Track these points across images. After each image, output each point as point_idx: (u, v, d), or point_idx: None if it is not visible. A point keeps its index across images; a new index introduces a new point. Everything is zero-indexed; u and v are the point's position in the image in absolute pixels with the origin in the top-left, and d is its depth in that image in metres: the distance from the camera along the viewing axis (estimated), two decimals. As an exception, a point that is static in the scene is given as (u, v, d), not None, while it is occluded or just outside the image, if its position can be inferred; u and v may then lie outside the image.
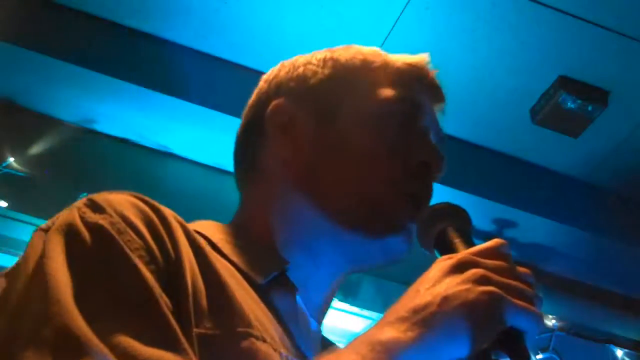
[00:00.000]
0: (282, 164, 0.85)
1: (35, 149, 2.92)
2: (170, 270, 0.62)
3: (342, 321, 3.78)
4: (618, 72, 2.66)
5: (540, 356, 3.55)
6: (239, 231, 0.83)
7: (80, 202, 0.65)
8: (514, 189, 3.12)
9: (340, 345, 0.87)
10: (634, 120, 2.87)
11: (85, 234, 0.61)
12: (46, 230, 0.63)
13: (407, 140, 0.85)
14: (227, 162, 3.03)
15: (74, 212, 0.63)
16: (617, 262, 3.32)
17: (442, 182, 3.14)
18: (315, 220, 0.81)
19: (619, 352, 3.73)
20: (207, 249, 0.69)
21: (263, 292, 0.74)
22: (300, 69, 0.91)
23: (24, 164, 2.86)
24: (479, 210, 3.10)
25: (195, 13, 2.67)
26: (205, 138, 2.88)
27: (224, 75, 2.79)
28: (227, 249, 0.77)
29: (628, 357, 3.73)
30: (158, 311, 0.58)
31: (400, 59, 0.93)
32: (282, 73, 0.92)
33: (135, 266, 0.59)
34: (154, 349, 0.55)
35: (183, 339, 0.58)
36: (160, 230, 0.64)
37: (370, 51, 0.93)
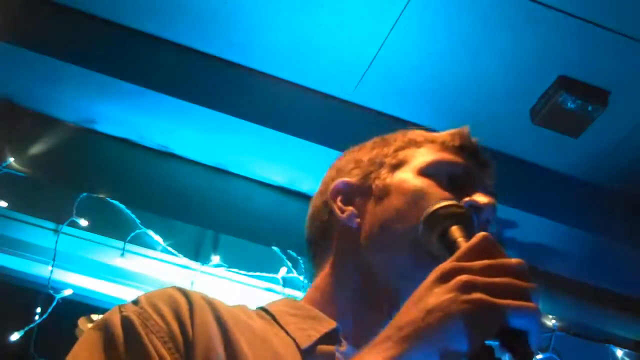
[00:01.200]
0: (347, 233, 0.94)
1: (35, 149, 2.92)
2: (186, 347, 0.74)
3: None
4: (618, 72, 2.66)
5: (540, 356, 3.55)
6: (305, 302, 0.94)
7: (138, 297, 0.81)
8: (514, 189, 3.12)
9: None
10: (634, 120, 2.86)
11: (117, 326, 0.76)
12: (92, 326, 0.80)
13: (455, 193, 0.92)
14: (227, 162, 3.03)
15: (115, 309, 0.79)
16: (617, 262, 3.31)
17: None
18: (389, 262, 0.90)
19: (619, 352, 3.72)
20: (233, 324, 0.79)
21: (309, 356, 0.82)
22: (355, 153, 1.04)
23: (24, 164, 2.86)
24: (479, 210, 3.10)
25: (196, 13, 2.67)
26: (206, 138, 2.88)
27: (225, 75, 2.78)
28: (284, 319, 0.88)
29: (628, 357, 3.73)
30: None
31: (443, 133, 1.03)
32: (342, 160, 1.06)
33: (151, 348, 0.73)
34: None
35: None
36: (183, 314, 0.77)
37: (416, 131, 1.04)
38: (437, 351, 0.61)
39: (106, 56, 2.72)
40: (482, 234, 0.69)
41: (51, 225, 2.91)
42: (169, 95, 2.73)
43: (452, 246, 0.73)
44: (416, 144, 1.00)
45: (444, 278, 0.65)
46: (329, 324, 0.86)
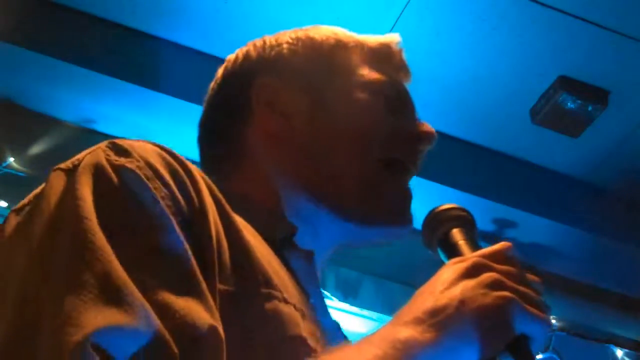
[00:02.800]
0: (272, 140, 0.85)
1: (35, 149, 2.92)
2: (195, 223, 0.61)
3: (342, 321, 3.78)
4: (618, 72, 2.66)
5: (540, 356, 3.55)
6: (240, 198, 0.80)
7: (103, 144, 0.62)
8: (514, 189, 3.12)
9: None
10: (634, 120, 2.87)
11: (113, 177, 0.58)
12: (66, 170, 0.60)
13: (396, 118, 0.87)
14: (227, 162, 3.04)
15: (99, 154, 0.60)
16: (617, 262, 3.31)
17: (443, 182, 3.16)
18: (310, 204, 0.83)
19: (619, 352, 3.72)
20: (228, 206, 0.68)
21: (278, 252, 0.75)
22: (276, 48, 0.91)
23: (24, 164, 2.86)
24: (479, 210, 3.10)
25: (196, 13, 2.67)
26: (205, 138, 2.88)
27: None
28: (235, 208, 0.75)
29: (628, 357, 3.73)
30: (188, 264, 0.57)
31: (372, 39, 0.95)
32: (255, 53, 0.93)
33: (166, 216, 0.58)
34: (187, 300, 0.55)
35: (209, 296, 0.57)
36: (185, 181, 0.62)
37: (340, 31, 0.94)
38: (468, 341, 0.61)
39: (106, 56, 2.72)
40: (506, 243, 0.69)
41: (51, 225, 2.91)
42: (169, 95, 2.73)
43: (453, 249, 0.74)
44: (347, 47, 0.91)
45: (474, 271, 0.65)
46: (290, 226, 0.80)
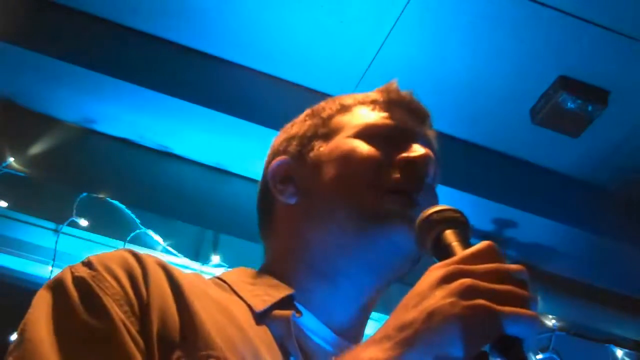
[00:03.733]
0: (289, 211, 0.95)
1: (35, 149, 2.92)
2: (141, 311, 0.73)
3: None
4: (618, 72, 2.66)
5: (540, 356, 3.55)
6: (262, 273, 0.93)
7: (81, 261, 0.78)
8: (514, 189, 3.12)
9: None
10: (634, 120, 2.86)
11: (70, 287, 0.73)
12: (43, 287, 0.77)
13: (390, 149, 0.91)
14: (227, 162, 3.03)
15: (66, 270, 0.76)
16: (617, 262, 3.31)
17: (442, 182, 3.14)
18: (321, 237, 0.89)
19: (619, 352, 3.72)
20: (188, 289, 0.78)
21: (262, 320, 0.82)
22: (288, 129, 1.04)
23: (24, 164, 2.86)
24: (479, 210, 3.10)
25: (196, 13, 2.67)
26: (206, 138, 2.88)
27: (225, 75, 2.78)
28: (240, 287, 0.88)
29: (628, 357, 3.73)
30: (126, 351, 0.68)
31: (372, 92, 1.01)
32: (277, 140, 1.06)
33: (109, 310, 0.71)
34: None
35: None
36: (137, 277, 0.75)
37: (346, 95, 1.03)
38: (435, 354, 0.61)
39: (106, 56, 2.72)
40: (488, 242, 0.69)
41: (51, 225, 2.92)
42: (169, 95, 2.73)
43: (446, 250, 0.73)
44: (347, 108, 0.99)
45: (446, 280, 0.65)
46: (285, 290, 0.86)
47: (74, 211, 2.77)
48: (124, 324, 0.70)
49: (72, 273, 0.75)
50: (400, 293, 0.68)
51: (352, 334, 0.89)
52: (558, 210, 3.13)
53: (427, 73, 2.72)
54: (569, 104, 2.70)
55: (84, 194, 2.82)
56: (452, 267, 0.66)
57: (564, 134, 2.88)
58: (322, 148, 0.95)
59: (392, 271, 0.90)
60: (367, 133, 0.92)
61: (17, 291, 3.35)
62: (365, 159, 0.90)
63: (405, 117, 0.97)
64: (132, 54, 2.75)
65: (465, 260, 0.67)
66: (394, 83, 1.02)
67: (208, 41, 2.78)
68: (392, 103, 0.98)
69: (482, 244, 0.68)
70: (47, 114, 2.98)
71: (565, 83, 2.69)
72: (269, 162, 1.03)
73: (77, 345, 0.68)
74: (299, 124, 1.02)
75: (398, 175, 0.89)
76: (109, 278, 0.74)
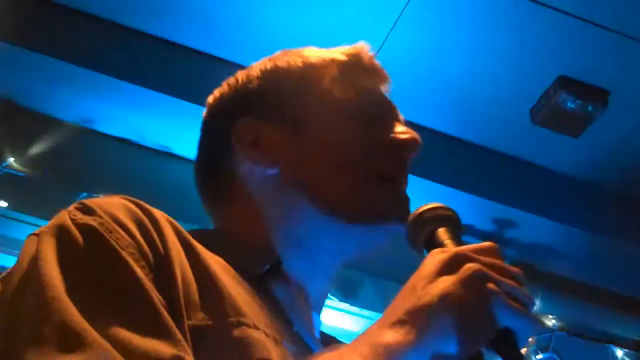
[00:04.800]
0: (260, 179, 0.87)
1: (35, 149, 2.92)
2: (159, 266, 0.64)
3: (342, 321, 3.78)
4: (618, 72, 2.66)
5: (540, 356, 3.55)
6: (228, 237, 0.86)
7: (72, 206, 0.67)
8: (514, 189, 3.12)
9: (340, 341, 0.88)
10: (634, 120, 2.87)
11: (77, 234, 0.63)
12: (37, 235, 0.65)
13: (376, 129, 0.87)
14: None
15: (64, 215, 0.66)
16: (617, 262, 3.32)
17: (442, 182, 3.16)
18: (308, 215, 0.84)
19: (619, 352, 3.72)
20: (198, 245, 0.71)
21: (259, 284, 0.76)
22: (247, 85, 0.93)
23: (24, 164, 2.86)
24: (479, 210, 3.10)
25: (196, 13, 2.67)
26: (205, 138, 2.88)
27: (225, 75, 2.78)
28: (217, 248, 0.78)
29: (628, 357, 3.73)
30: (150, 305, 0.60)
31: (339, 51, 0.95)
32: (228, 93, 0.95)
33: (126, 262, 0.61)
34: (150, 340, 0.57)
35: (176, 330, 0.60)
36: (149, 228, 0.66)
37: (308, 51, 0.96)
38: (452, 337, 0.61)
39: (106, 56, 2.72)
40: (491, 242, 0.69)
41: (51, 225, 2.91)
42: (169, 95, 2.73)
43: (439, 248, 0.73)
44: (316, 68, 0.92)
45: (453, 263, 0.64)
46: (273, 256, 0.81)
47: (74, 211, 2.77)
48: (143, 279, 0.61)
49: (72, 220, 0.64)
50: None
51: (319, 305, 0.88)
52: (558, 210, 3.13)
53: (427, 73, 2.72)
54: (569, 104, 2.70)
55: (84, 194, 2.82)
56: (458, 251, 0.66)
57: (564, 134, 2.88)
58: (303, 115, 0.88)
59: (375, 251, 0.90)
60: (347, 107, 0.88)
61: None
62: (357, 138, 0.86)
63: (379, 86, 0.94)
64: (132, 54, 2.75)
65: (469, 250, 0.67)
66: (364, 47, 0.96)
67: (208, 41, 2.78)
68: (364, 69, 0.93)
69: (486, 243, 0.69)
70: (47, 114, 2.98)
71: (565, 83, 2.69)
72: (225, 115, 0.92)
73: (97, 302, 0.59)
74: (260, 82, 0.92)
75: (389, 160, 0.86)
76: (118, 228, 0.64)
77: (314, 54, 0.95)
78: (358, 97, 0.89)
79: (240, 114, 0.90)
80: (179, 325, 0.61)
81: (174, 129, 2.93)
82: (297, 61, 0.93)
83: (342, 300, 3.49)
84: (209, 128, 0.96)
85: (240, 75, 0.96)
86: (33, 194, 3.00)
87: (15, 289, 0.62)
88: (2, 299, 0.62)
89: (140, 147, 3.10)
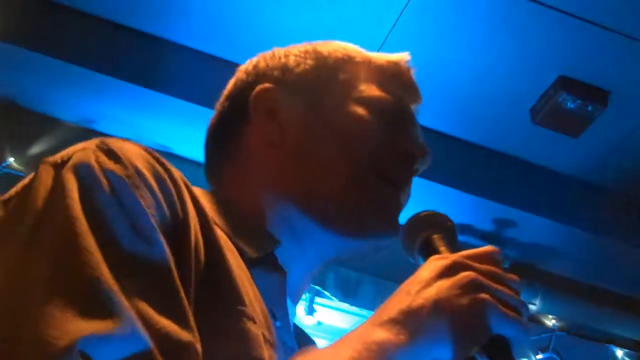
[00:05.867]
0: (267, 146, 0.86)
1: (35, 149, 2.92)
2: (176, 231, 0.60)
3: (342, 321, 3.78)
4: (618, 72, 2.66)
5: (540, 356, 3.55)
6: (227, 206, 0.82)
7: (93, 143, 0.61)
8: (514, 189, 3.12)
9: (309, 336, 0.88)
10: (634, 120, 2.87)
11: (103, 181, 0.57)
12: (54, 165, 0.59)
13: (392, 133, 0.86)
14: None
15: (89, 154, 0.59)
16: (617, 262, 3.32)
17: (442, 182, 3.16)
18: (298, 214, 0.83)
19: (619, 352, 3.73)
20: (210, 217, 0.68)
21: (252, 268, 0.74)
22: (283, 59, 0.93)
23: (24, 164, 2.86)
24: (479, 210, 3.10)
25: (196, 13, 2.67)
26: (205, 138, 2.88)
27: (225, 75, 2.78)
28: (218, 219, 0.76)
29: (628, 357, 3.73)
30: (173, 282, 0.57)
31: (381, 56, 0.95)
32: (263, 63, 0.94)
33: (154, 229, 0.57)
34: (167, 320, 0.54)
35: (191, 316, 0.57)
36: (171, 190, 0.62)
37: (350, 47, 0.95)
38: (443, 341, 0.62)
39: (106, 56, 2.72)
40: (491, 246, 0.69)
41: (51, 225, 2.91)
42: (168, 95, 2.73)
43: (434, 254, 0.73)
44: (353, 63, 0.91)
45: (452, 270, 0.65)
46: (272, 241, 0.79)
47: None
48: (168, 251, 0.58)
49: (97, 162, 0.58)
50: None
51: (298, 297, 0.88)
52: (558, 210, 3.13)
53: (427, 73, 2.72)
54: (569, 104, 2.70)
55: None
56: (457, 258, 0.66)
57: (564, 134, 2.88)
58: (326, 99, 0.87)
59: (353, 255, 0.90)
60: (372, 104, 0.87)
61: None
62: (372, 135, 0.85)
63: (407, 98, 0.94)
64: (132, 54, 2.75)
65: (468, 257, 0.67)
66: (407, 58, 0.96)
67: (207, 41, 2.78)
68: (399, 80, 0.93)
69: (485, 247, 0.69)
70: (47, 114, 2.98)
71: (565, 83, 2.69)
72: (247, 83, 0.91)
73: (123, 265, 0.54)
74: (297, 59, 0.91)
75: (396, 163, 0.86)
76: (142, 186, 0.59)
77: (356, 50, 0.94)
78: (385, 98, 0.88)
79: (266, 82, 0.89)
80: (187, 298, 0.58)
81: (174, 129, 2.93)
82: (337, 50, 0.93)
83: (342, 300, 3.49)
84: (231, 93, 0.94)
85: (277, 50, 0.96)
86: (33, 194, 3.00)
87: (33, 224, 0.55)
88: (12, 231, 0.56)
89: (140, 147, 3.10)
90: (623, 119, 2.85)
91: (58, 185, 0.56)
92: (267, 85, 0.89)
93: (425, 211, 0.78)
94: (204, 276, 0.62)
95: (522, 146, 3.09)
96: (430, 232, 0.76)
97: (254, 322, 0.66)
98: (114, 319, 0.51)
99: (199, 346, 0.56)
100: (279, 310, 0.75)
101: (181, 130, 2.90)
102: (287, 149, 0.85)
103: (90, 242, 0.53)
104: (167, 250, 0.58)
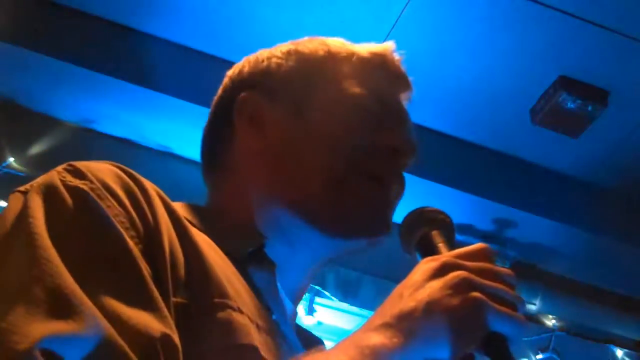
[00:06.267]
0: (251, 155, 0.86)
1: (35, 149, 2.92)
2: (148, 238, 0.62)
3: (342, 321, 3.78)
4: (618, 72, 2.66)
5: (540, 356, 3.55)
6: (214, 214, 0.84)
7: (60, 166, 0.64)
8: (514, 189, 3.12)
9: (317, 337, 0.88)
10: (634, 120, 2.87)
11: (66, 196, 0.60)
12: (23, 192, 0.62)
13: (374, 130, 0.85)
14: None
15: (53, 175, 0.63)
16: (617, 262, 3.32)
17: (443, 182, 3.16)
18: (284, 215, 0.83)
19: (619, 352, 3.72)
20: (186, 222, 0.70)
21: (241, 267, 0.75)
22: (265, 62, 0.92)
23: (24, 164, 2.86)
24: (479, 210, 3.10)
25: (196, 13, 2.67)
26: (205, 138, 2.88)
27: (224, 75, 2.78)
28: (204, 226, 0.78)
29: (628, 357, 3.73)
30: (140, 276, 0.59)
31: (365, 48, 0.93)
32: (247, 68, 0.94)
33: (117, 230, 0.60)
34: (139, 313, 0.56)
35: (163, 305, 0.59)
36: (139, 199, 0.65)
37: (334, 42, 0.94)
38: (438, 342, 0.62)
39: (106, 56, 2.72)
40: (481, 244, 0.69)
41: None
42: (168, 95, 2.73)
43: (432, 251, 0.73)
44: (336, 59, 0.90)
45: (443, 270, 0.65)
46: (258, 238, 0.80)
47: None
48: (133, 248, 0.60)
49: (62, 180, 0.62)
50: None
51: (296, 303, 0.87)
52: (558, 210, 3.13)
53: (427, 73, 2.72)
54: (569, 104, 2.71)
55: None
56: (447, 259, 0.66)
57: (564, 134, 2.88)
58: (307, 101, 0.86)
59: (350, 254, 0.89)
60: (355, 102, 0.86)
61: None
62: (352, 134, 0.84)
63: (396, 91, 0.93)
64: (132, 54, 2.75)
65: (458, 256, 0.67)
66: (392, 47, 0.95)
67: (207, 41, 2.78)
68: (385, 69, 0.92)
69: (476, 245, 0.69)
70: (47, 114, 2.98)
71: (565, 83, 2.69)
72: (232, 89, 0.91)
73: (86, 268, 0.57)
74: (279, 61, 0.91)
75: (381, 161, 0.84)
76: (108, 196, 0.62)
77: (338, 45, 0.93)
78: (369, 95, 0.87)
79: (248, 88, 0.90)
80: (165, 300, 0.60)
81: (174, 129, 2.93)
82: (319, 48, 0.92)
83: (342, 300, 3.49)
84: (219, 100, 0.95)
85: (261, 53, 0.95)
86: (33, 194, 3.00)
87: (0, 245, 0.59)
88: None
89: (140, 147, 3.10)
90: (623, 119, 2.85)
91: (24, 207, 0.60)
92: (248, 92, 0.89)
93: (422, 207, 0.78)
94: (184, 274, 0.64)
95: (522, 146, 3.09)
96: (427, 229, 0.76)
97: (240, 312, 0.66)
98: (76, 318, 0.53)
99: (175, 337, 0.57)
100: (273, 303, 0.76)
101: (181, 130, 2.90)
102: (270, 154, 0.85)
103: (51, 253, 0.56)
104: (134, 251, 0.60)
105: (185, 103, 2.70)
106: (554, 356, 3.52)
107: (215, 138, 0.92)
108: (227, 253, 0.76)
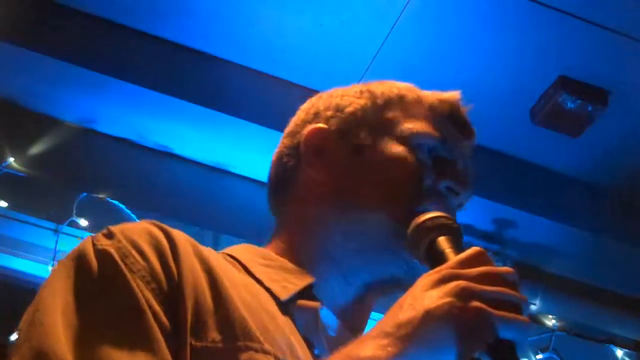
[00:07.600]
0: (313, 185, 0.91)
1: (35, 149, 2.92)
2: (171, 288, 0.68)
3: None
4: (618, 72, 2.66)
5: (540, 356, 3.55)
6: (272, 251, 0.90)
7: (101, 231, 0.73)
8: (514, 189, 3.12)
9: None
10: (634, 120, 2.87)
11: (93, 260, 0.68)
12: (62, 261, 0.72)
13: (432, 169, 0.90)
14: (227, 162, 3.03)
15: (88, 240, 0.72)
16: (617, 262, 3.32)
17: (442, 182, 3.13)
18: (351, 234, 0.87)
19: (619, 352, 3.72)
20: (219, 269, 0.74)
21: (286, 308, 0.79)
22: (337, 99, 0.97)
23: (24, 164, 2.86)
24: (479, 210, 3.10)
25: (195, 13, 2.67)
26: (205, 138, 2.88)
27: (224, 75, 2.78)
28: (255, 268, 0.84)
29: (628, 357, 3.73)
30: (144, 324, 0.64)
31: (433, 95, 0.98)
32: (320, 103, 0.98)
33: (132, 289, 0.66)
34: (131, 355, 0.62)
35: (163, 347, 0.64)
36: (166, 252, 0.70)
37: (404, 86, 0.99)
38: (437, 350, 0.62)
39: (106, 56, 2.72)
40: (476, 247, 0.70)
41: (51, 225, 2.92)
42: (169, 95, 2.73)
43: (440, 257, 0.73)
44: (404, 102, 0.95)
45: (441, 282, 0.66)
46: (306, 278, 0.83)
47: (74, 211, 2.78)
48: (149, 304, 0.65)
49: (94, 244, 0.70)
50: (402, 294, 0.69)
51: (356, 326, 0.89)
52: (558, 210, 3.13)
53: (427, 73, 2.72)
54: (569, 104, 2.70)
55: (84, 194, 2.82)
56: (445, 271, 0.67)
57: (564, 134, 2.88)
58: (370, 139, 0.91)
59: (396, 282, 0.91)
60: (417, 141, 0.91)
61: (17, 291, 3.35)
62: (411, 175, 0.88)
63: (456, 136, 0.97)
64: (132, 54, 2.75)
65: (457, 264, 0.68)
66: (457, 97, 1.00)
67: (208, 41, 2.78)
68: (449, 117, 0.97)
69: (471, 249, 0.70)
70: (47, 114, 2.98)
71: (565, 83, 2.69)
72: (304, 122, 0.97)
73: (94, 325, 0.64)
74: (350, 99, 0.96)
75: (435, 202, 0.88)
76: (134, 252, 0.69)
77: (409, 88, 0.98)
78: (428, 132, 0.92)
79: (319, 121, 0.95)
80: (182, 349, 0.65)
81: (174, 129, 2.93)
82: (390, 90, 0.97)
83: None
84: (292, 126, 0.99)
85: (336, 90, 1.00)
86: (33, 194, 3.00)
87: (26, 316, 0.68)
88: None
89: (140, 147, 3.10)
90: (623, 119, 2.85)
91: (50, 278, 0.70)
92: (318, 125, 0.94)
93: (430, 213, 0.79)
94: (209, 323, 0.69)
95: (522, 146, 3.09)
96: (435, 234, 0.76)
97: (265, 353, 0.69)
98: None
99: None
100: (315, 338, 0.79)
101: (181, 130, 2.90)
102: (331, 188, 0.90)
103: (46, 316, 0.64)
104: (141, 299, 0.66)
105: (185, 103, 2.70)
106: (554, 356, 3.52)
107: (284, 170, 0.96)
108: (273, 295, 0.80)
